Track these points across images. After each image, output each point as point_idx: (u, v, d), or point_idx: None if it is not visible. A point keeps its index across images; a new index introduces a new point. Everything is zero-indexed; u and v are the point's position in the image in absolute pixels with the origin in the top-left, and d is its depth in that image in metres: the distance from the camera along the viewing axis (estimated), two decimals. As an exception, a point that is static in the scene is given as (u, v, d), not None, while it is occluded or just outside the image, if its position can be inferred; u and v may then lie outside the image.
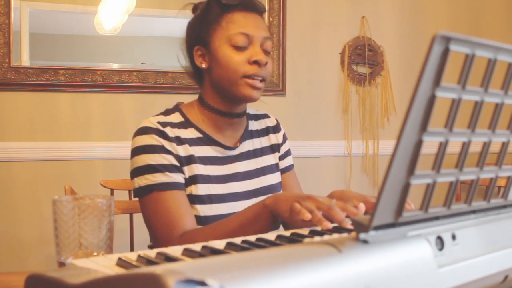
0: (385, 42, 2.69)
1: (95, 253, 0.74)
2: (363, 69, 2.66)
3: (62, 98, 2.22)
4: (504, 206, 0.66)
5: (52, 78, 2.18)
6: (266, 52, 1.19)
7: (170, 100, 2.24)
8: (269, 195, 1.16)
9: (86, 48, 2.35)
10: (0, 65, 2.12)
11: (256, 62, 1.16)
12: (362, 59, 2.64)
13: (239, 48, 1.16)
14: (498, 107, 0.56)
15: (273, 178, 1.30)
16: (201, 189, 1.15)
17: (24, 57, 2.18)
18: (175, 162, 1.14)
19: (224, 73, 1.17)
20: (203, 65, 1.21)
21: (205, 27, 1.20)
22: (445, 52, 0.46)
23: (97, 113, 2.27)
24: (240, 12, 1.18)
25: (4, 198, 2.16)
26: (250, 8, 1.19)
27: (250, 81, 1.16)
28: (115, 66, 2.32)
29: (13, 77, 2.13)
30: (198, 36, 1.21)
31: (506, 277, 0.62)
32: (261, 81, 1.17)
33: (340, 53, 2.64)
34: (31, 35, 2.21)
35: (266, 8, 2.40)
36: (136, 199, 1.73)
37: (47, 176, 2.19)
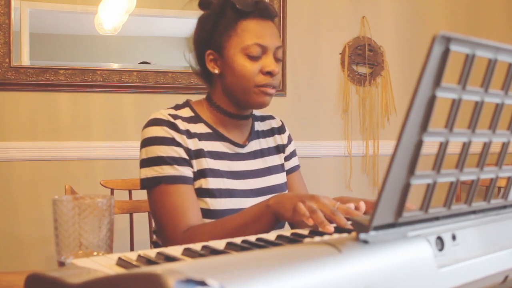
0: (385, 42, 2.69)
1: (95, 253, 0.74)
2: (363, 69, 2.66)
3: (62, 98, 2.22)
4: (504, 207, 0.66)
5: (52, 78, 2.18)
6: (278, 60, 1.21)
7: (170, 100, 2.25)
8: (273, 194, 1.16)
9: (86, 48, 2.35)
10: (0, 65, 2.12)
11: (269, 73, 1.17)
12: (362, 59, 2.64)
13: (253, 58, 1.17)
14: (498, 107, 0.56)
15: (279, 178, 1.31)
16: (211, 183, 1.16)
17: (24, 57, 2.18)
18: (184, 155, 1.15)
19: (237, 82, 1.18)
20: (216, 71, 1.22)
21: (219, 32, 1.20)
22: (445, 52, 0.46)
23: (97, 113, 2.27)
24: (255, 20, 1.18)
25: (4, 198, 2.16)
26: (265, 15, 1.20)
27: (262, 89, 1.18)
28: (115, 66, 2.32)
29: (13, 77, 2.13)
30: (211, 39, 1.21)
31: (506, 277, 0.62)
32: (272, 88, 1.19)
33: (340, 53, 2.64)
34: (31, 35, 2.21)
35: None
36: (137, 199, 1.74)
37: (47, 176, 2.19)
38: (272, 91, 1.19)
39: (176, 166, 1.13)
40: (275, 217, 0.98)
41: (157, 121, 1.16)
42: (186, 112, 1.22)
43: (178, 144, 1.14)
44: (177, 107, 1.23)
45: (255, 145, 1.30)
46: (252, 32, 1.17)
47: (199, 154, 1.17)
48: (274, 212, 0.97)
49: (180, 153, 1.14)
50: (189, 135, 1.17)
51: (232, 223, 1.03)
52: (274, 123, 1.38)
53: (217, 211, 1.15)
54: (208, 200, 1.15)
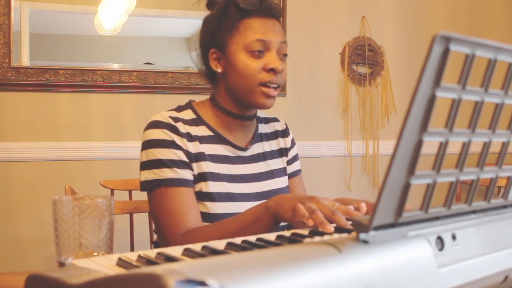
0: (385, 42, 2.69)
1: (95, 253, 0.74)
2: (363, 69, 2.66)
3: (62, 98, 2.22)
4: (504, 206, 0.66)
5: (52, 78, 2.18)
6: (283, 56, 1.19)
7: (170, 100, 2.25)
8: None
9: (86, 48, 2.35)
10: (0, 65, 2.12)
11: (272, 70, 1.16)
12: (362, 59, 2.64)
13: (255, 55, 1.16)
14: (498, 107, 0.56)
15: (281, 182, 1.30)
16: (211, 187, 1.15)
17: (24, 57, 2.18)
18: (185, 158, 1.14)
19: (240, 80, 1.17)
20: (219, 69, 1.21)
21: (222, 31, 1.19)
22: (445, 52, 0.46)
23: (97, 113, 2.27)
24: (258, 18, 1.17)
25: (4, 198, 2.16)
26: (268, 14, 1.19)
27: (265, 89, 1.16)
28: (115, 66, 2.32)
29: (13, 77, 2.13)
30: (214, 38, 1.21)
31: (506, 277, 0.62)
32: (276, 88, 1.17)
33: (340, 53, 2.64)
34: (31, 35, 2.21)
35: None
36: (137, 199, 1.74)
37: (47, 176, 2.19)
38: (275, 92, 1.17)
39: (176, 169, 1.12)
40: (274, 218, 0.97)
41: (158, 124, 1.16)
42: (188, 114, 1.21)
43: (178, 147, 1.14)
44: (179, 108, 1.23)
45: (257, 148, 1.29)
46: (255, 30, 1.16)
47: (199, 157, 1.16)
48: (273, 213, 0.97)
49: (180, 156, 1.14)
50: (190, 138, 1.17)
51: (231, 225, 1.02)
52: (278, 126, 1.37)
53: (217, 215, 1.15)
54: (208, 203, 1.15)
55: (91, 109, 2.26)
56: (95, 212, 0.74)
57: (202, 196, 1.15)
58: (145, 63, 2.36)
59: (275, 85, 1.17)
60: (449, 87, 0.48)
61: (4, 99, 2.15)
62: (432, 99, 0.47)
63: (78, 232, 0.73)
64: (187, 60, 2.44)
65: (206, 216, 1.15)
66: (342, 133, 2.64)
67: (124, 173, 2.06)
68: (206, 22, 1.25)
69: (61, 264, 0.73)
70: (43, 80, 2.17)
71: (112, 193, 1.79)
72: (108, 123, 2.28)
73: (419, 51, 2.71)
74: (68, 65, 2.22)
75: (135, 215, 1.78)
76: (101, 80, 2.24)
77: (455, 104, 0.50)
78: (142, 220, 1.90)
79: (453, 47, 0.47)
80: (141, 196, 1.41)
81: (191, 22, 2.38)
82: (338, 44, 2.63)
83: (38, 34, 2.25)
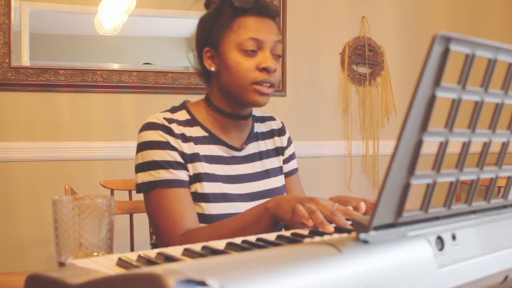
0: (385, 42, 2.70)
1: (95, 253, 0.73)
2: (363, 69, 2.66)
3: (62, 98, 2.22)
4: (504, 206, 0.66)
5: (52, 78, 2.18)
6: (277, 57, 1.18)
7: (170, 100, 2.25)
8: (272, 197, 1.16)
9: (86, 48, 2.35)
10: (0, 65, 2.12)
11: (265, 69, 1.15)
12: (362, 59, 2.64)
13: (248, 54, 1.15)
14: (498, 107, 0.56)
15: (277, 181, 1.30)
16: (206, 187, 1.15)
17: (24, 57, 2.18)
18: (180, 159, 1.14)
19: (232, 79, 1.16)
20: (212, 68, 1.20)
21: (216, 29, 1.19)
22: (445, 52, 0.46)
23: (97, 113, 2.27)
24: (252, 17, 1.17)
25: (4, 198, 2.16)
26: (263, 13, 1.18)
27: (258, 87, 1.15)
28: (115, 66, 2.32)
29: (13, 77, 2.14)
30: (209, 37, 1.20)
31: (506, 277, 0.62)
32: (269, 86, 1.17)
33: (340, 53, 2.64)
34: (31, 35, 2.21)
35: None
36: (137, 199, 1.74)
37: (47, 176, 2.19)
38: (268, 90, 1.16)
39: (171, 170, 1.12)
40: (274, 219, 0.97)
41: (152, 125, 1.15)
42: (182, 115, 1.21)
43: (173, 148, 1.14)
44: (173, 109, 1.22)
45: (253, 147, 1.28)
46: (248, 28, 1.16)
47: (194, 158, 1.16)
48: (273, 214, 0.97)
49: (175, 157, 1.13)
50: (185, 139, 1.16)
51: (230, 226, 1.02)
52: (274, 125, 1.37)
53: (213, 216, 1.14)
54: (203, 204, 1.15)
55: (91, 109, 2.26)
56: (95, 212, 0.74)
57: (198, 197, 1.15)
58: (144, 63, 2.36)
59: (268, 84, 1.16)
60: (449, 87, 0.48)
61: (4, 99, 2.15)
62: (432, 99, 0.47)
63: (78, 232, 0.73)
64: (187, 60, 2.43)
65: (202, 217, 1.14)
66: (342, 133, 2.64)
67: (124, 173, 2.06)
68: (202, 21, 1.25)
69: (61, 264, 0.73)
70: (43, 80, 2.17)
71: (112, 193, 1.79)
72: (108, 123, 2.28)
73: (419, 51, 2.71)
74: (68, 65, 2.22)
75: (135, 215, 1.78)
76: (101, 80, 2.24)
77: (455, 104, 0.50)
78: (142, 220, 1.90)
79: (453, 47, 0.47)
80: (141, 196, 1.41)
81: (191, 22, 2.37)
82: (338, 44, 2.63)
83: (38, 34, 2.25)
